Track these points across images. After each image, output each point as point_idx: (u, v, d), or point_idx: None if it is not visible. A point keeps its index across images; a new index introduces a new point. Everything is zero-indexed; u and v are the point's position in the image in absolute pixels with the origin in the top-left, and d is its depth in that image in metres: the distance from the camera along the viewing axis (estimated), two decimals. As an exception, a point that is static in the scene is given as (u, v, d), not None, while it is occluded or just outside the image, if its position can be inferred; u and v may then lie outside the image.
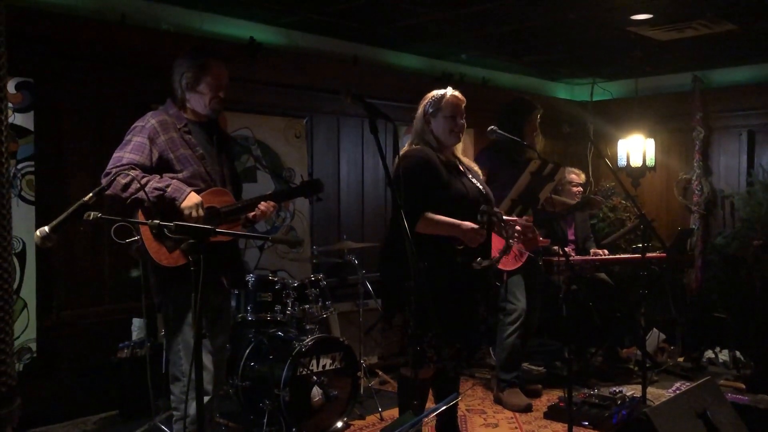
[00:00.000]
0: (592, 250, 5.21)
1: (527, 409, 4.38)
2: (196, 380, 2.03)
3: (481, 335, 3.16)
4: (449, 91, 3.20)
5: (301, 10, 4.72)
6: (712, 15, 4.80)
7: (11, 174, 1.79)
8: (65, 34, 4.09)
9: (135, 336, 4.31)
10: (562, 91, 7.44)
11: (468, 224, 2.99)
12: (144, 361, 4.16)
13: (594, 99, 7.28)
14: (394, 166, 3.13)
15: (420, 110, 3.18)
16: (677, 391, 3.49)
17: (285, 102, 5.17)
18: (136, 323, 4.34)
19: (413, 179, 2.94)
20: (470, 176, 3.20)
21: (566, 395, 3.22)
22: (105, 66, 4.27)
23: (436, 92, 3.20)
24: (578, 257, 5.08)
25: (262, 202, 2.91)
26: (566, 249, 4.97)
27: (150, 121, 2.88)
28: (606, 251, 5.19)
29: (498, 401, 4.53)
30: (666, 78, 6.82)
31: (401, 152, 3.13)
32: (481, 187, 3.17)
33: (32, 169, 3.97)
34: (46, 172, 4.02)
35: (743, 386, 3.99)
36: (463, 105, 3.19)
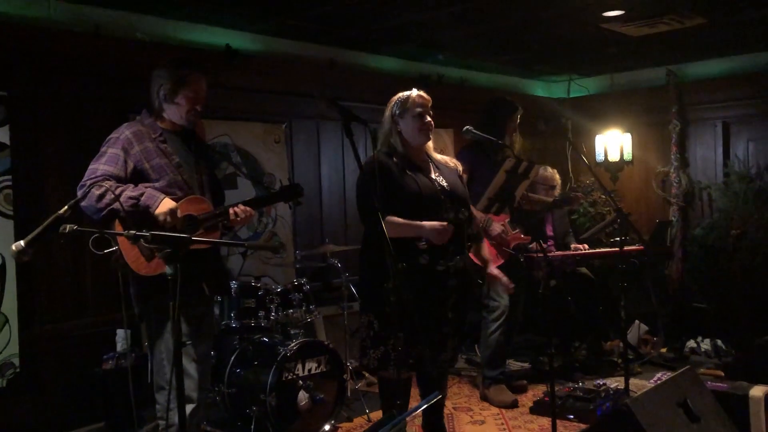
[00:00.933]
0: (572, 245, 5.26)
1: (513, 405, 4.42)
2: (177, 388, 2.04)
3: (447, 336, 3.18)
4: (415, 91, 3.23)
5: (276, 16, 4.74)
6: (682, 9, 4.86)
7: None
8: (39, 46, 4.08)
9: (119, 347, 4.30)
10: (539, 88, 7.51)
11: (431, 223, 3.01)
12: (128, 372, 4.17)
13: (571, 95, 7.35)
14: None
15: (387, 113, 3.22)
16: (658, 382, 3.53)
17: (263, 108, 5.18)
18: (121, 334, 4.32)
19: (366, 187, 3.04)
20: (436, 174, 3.22)
21: (550, 390, 3.25)
22: (80, 77, 4.25)
23: (402, 94, 3.24)
24: (558, 252, 5.12)
25: (237, 207, 2.92)
26: (546, 245, 5.02)
27: (124, 132, 2.88)
28: (586, 246, 5.24)
29: (484, 398, 4.57)
30: (641, 73, 6.90)
31: None
32: (445, 184, 3.19)
33: (9, 183, 3.95)
34: (23, 185, 4.00)
35: (722, 374, 4.06)
36: (429, 104, 3.22)
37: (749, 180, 6.07)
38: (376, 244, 2.96)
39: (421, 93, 3.23)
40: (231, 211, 2.88)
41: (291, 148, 5.35)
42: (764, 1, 4.70)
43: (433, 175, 3.18)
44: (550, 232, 5.42)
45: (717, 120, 6.53)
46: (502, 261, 4.35)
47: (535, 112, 6.70)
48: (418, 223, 3.00)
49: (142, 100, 3.11)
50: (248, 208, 2.94)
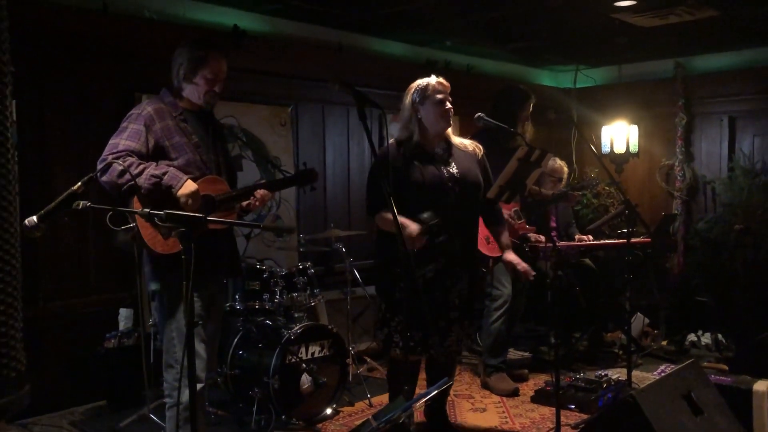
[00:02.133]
0: (576, 236, 5.25)
1: (514, 393, 4.43)
2: (189, 368, 2.03)
3: (453, 322, 3.20)
4: (434, 78, 3.23)
5: (285, -3, 4.70)
6: (694, 1, 4.83)
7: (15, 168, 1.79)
8: (46, 23, 4.04)
9: (122, 326, 4.30)
10: (546, 77, 7.47)
11: (411, 228, 3.00)
12: (131, 350, 4.18)
13: (578, 86, 7.31)
14: None
15: (407, 100, 3.20)
16: (662, 374, 3.54)
17: (270, 90, 5.15)
18: (123, 313, 4.33)
19: (372, 178, 3.17)
20: (450, 162, 3.21)
21: (553, 379, 3.25)
22: (87, 55, 4.22)
23: (421, 81, 3.23)
24: (564, 243, 5.12)
25: (258, 191, 2.92)
26: (540, 237, 5.01)
27: (146, 108, 2.87)
28: (590, 237, 5.24)
29: (485, 386, 4.58)
30: (649, 64, 6.86)
31: None
32: (456, 171, 3.19)
33: (15, 159, 3.91)
34: (28, 162, 3.98)
35: (726, 368, 4.07)
36: (449, 90, 3.23)
37: (754, 175, 6.06)
38: (383, 232, 3.02)
39: (441, 80, 3.23)
40: (257, 194, 2.89)
41: (296, 131, 5.33)
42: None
43: (444, 164, 3.18)
44: (553, 223, 5.41)
45: (723, 114, 6.51)
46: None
47: (541, 101, 6.68)
48: (404, 224, 2.99)
49: (149, 78, 3.10)
50: (267, 192, 2.95)
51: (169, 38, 4.10)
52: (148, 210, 2.05)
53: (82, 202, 2.05)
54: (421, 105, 3.17)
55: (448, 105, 3.19)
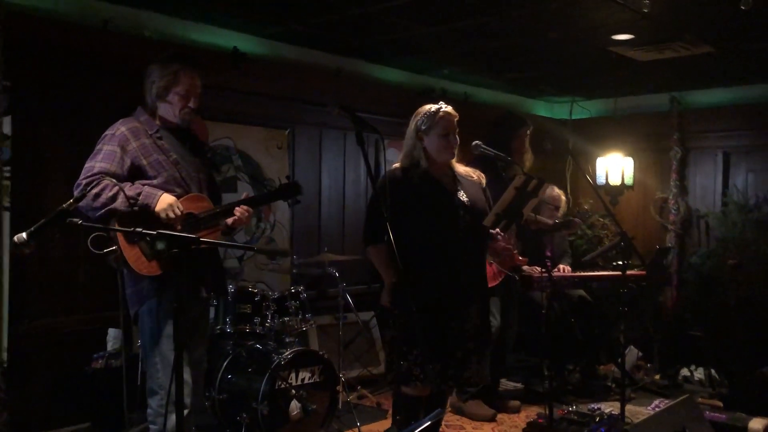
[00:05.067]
0: (560, 266, 5.20)
1: (492, 418, 4.40)
2: (176, 394, 1.98)
3: (470, 352, 3.13)
4: (442, 107, 3.17)
5: (285, 22, 4.71)
6: (691, 37, 4.88)
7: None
8: (46, 38, 4.03)
9: (110, 346, 4.23)
10: (542, 108, 7.51)
11: (388, 285, 3.08)
12: (118, 372, 4.10)
13: (573, 117, 7.35)
14: None
15: (412, 126, 3.15)
16: (656, 409, 3.51)
17: (267, 112, 5.15)
18: (112, 333, 4.26)
19: (372, 207, 3.08)
20: (458, 190, 3.18)
21: (546, 412, 3.21)
22: (86, 72, 4.21)
23: (428, 108, 3.16)
24: (559, 273, 5.09)
25: (238, 207, 2.88)
26: (534, 268, 4.98)
27: (120, 128, 2.84)
28: (569, 268, 5.20)
29: (459, 411, 4.54)
30: (645, 98, 6.91)
31: None
32: (466, 199, 3.16)
33: (8, 174, 3.88)
34: (23, 178, 3.94)
35: (720, 404, 4.03)
36: (456, 120, 3.19)
37: (748, 210, 6.07)
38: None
39: (448, 109, 3.18)
40: (236, 210, 2.84)
41: (293, 154, 5.32)
42: (771, 34, 4.72)
43: (454, 191, 3.16)
44: (548, 252, 5.38)
45: (718, 149, 6.55)
46: (499, 281, 4.31)
47: (537, 131, 6.70)
48: (386, 278, 3.10)
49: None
50: (248, 208, 2.90)
51: (167, 59, 4.09)
52: (140, 229, 2.02)
53: (76, 220, 2.02)
54: (425, 134, 3.13)
55: (453, 138, 3.15)
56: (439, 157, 3.18)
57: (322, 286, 5.22)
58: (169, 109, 2.89)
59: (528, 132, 4.44)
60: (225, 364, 3.92)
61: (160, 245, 1.84)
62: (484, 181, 3.34)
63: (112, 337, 4.27)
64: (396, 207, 2.90)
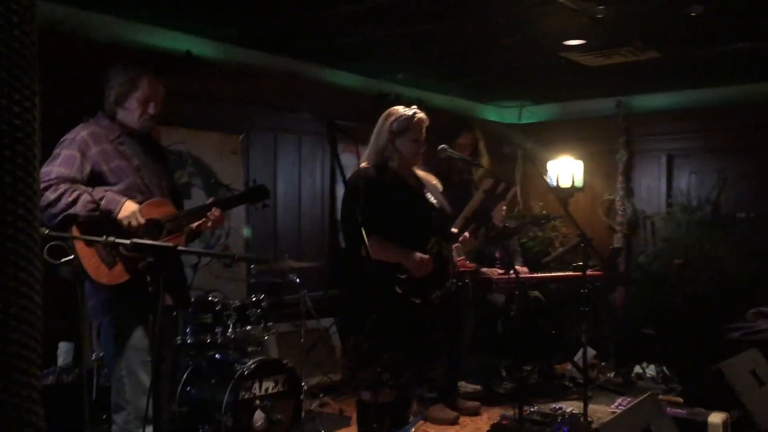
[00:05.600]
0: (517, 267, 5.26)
1: (455, 421, 4.43)
2: (153, 408, 1.90)
3: (438, 354, 3.13)
4: (417, 113, 3.18)
5: (239, 24, 4.64)
6: (640, 43, 5.01)
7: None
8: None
9: (61, 361, 4.05)
10: (491, 113, 7.60)
11: (417, 255, 2.99)
12: (71, 388, 3.94)
13: (522, 121, 7.46)
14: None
15: (384, 126, 3.14)
16: (620, 408, 3.57)
17: (221, 117, 5.05)
18: (63, 347, 4.08)
19: (356, 201, 2.90)
20: (426, 191, 3.20)
21: (515, 412, 3.23)
22: (32, 75, 4.03)
23: (404, 111, 3.17)
24: (524, 275, 5.13)
25: (212, 211, 2.80)
26: (491, 270, 5.02)
27: (80, 133, 2.74)
28: (526, 269, 5.26)
29: (421, 416, 4.54)
30: (592, 102, 7.07)
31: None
32: (435, 201, 3.18)
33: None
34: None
35: (680, 400, 4.14)
36: (426, 125, 3.22)
37: (691, 211, 6.28)
38: (361, 262, 2.92)
39: (423, 116, 3.19)
40: (209, 214, 2.77)
41: (248, 159, 5.23)
42: (717, 40, 4.89)
43: (422, 193, 3.15)
44: (497, 254, 5.43)
45: (662, 152, 6.75)
46: (474, 266, 4.34)
47: (492, 136, 6.78)
48: (407, 251, 2.97)
49: (98, 102, 2.99)
50: (218, 210, 2.83)
51: (125, 64, 3.96)
52: (113, 238, 1.93)
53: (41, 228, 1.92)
54: (398, 136, 3.13)
55: (422, 144, 3.18)
56: (410, 160, 3.19)
57: (279, 293, 5.14)
58: (128, 115, 2.81)
59: (470, 137, 4.46)
60: (185, 375, 3.81)
61: (129, 251, 1.77)
62: (440, 186, 3.37)
63: (63, 350, 4.09)
64: (372, 206, 2.86)
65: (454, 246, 4.31)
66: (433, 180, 3.31)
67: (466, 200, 4.44)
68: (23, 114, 0.85)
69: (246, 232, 5.02)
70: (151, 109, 2.82)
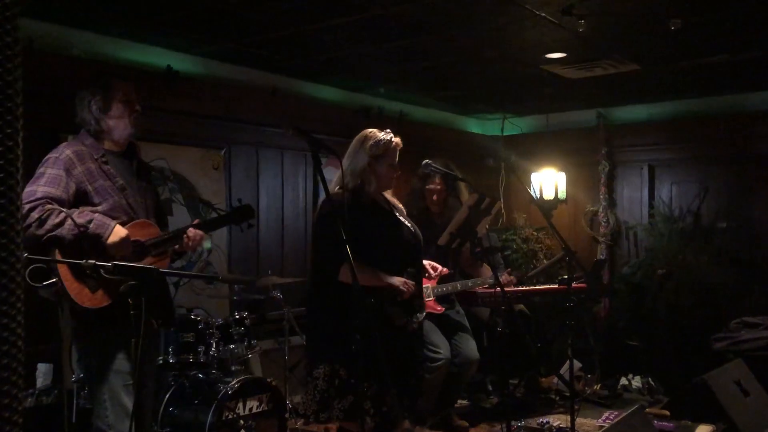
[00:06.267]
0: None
1: None
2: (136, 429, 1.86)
3: (421, 380, 3.08)
4: (393, 138, 3.14)
5: (219, 40, 4.61)
6: (620, 55, 5.05)
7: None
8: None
9: (40, 383, 3.97)
10: (473, 125, 7.62)
11: (397, 279, 2.95)
12: (50, 410, 3.85)
13: (505, 133, 7.48)
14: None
15: (363, 148, 3.07)
16: (607, 421, 3.56)
17: (202, 132, 5.00)
18: (42, 368, 4.00)
19: (332, 226, 2.69)
20: (397, 214, 3.17)
21: (503, 429, 3.20)
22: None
23: (381, 135, 3.12)
24: (510, 289, 5.11)
25: (189, 230, 2.76)
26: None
27: (65, 151, 2.69)
28: (514, 279, 5.24)
29: None
30: (573, 114, 7.11)
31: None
32: (409, 225, 3.15)
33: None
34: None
35: (668, 413, 4.14)
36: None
37: (673, 221, 6.32)
38: (337, 288, 2.86)
39: (398, 140, 3.15)
40: (189, 233, 2.72)
41: (229, 174, 5.18)
42: (696, 52, 4.93)
43: (399, 217, 3.12)
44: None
45: (643, 163, 6.79)
46: (442, 309, 4.29)
47: (473, 148, 6.80)
48: (386, 277, 2.95)
49: (76, 119, 2.96)
50: (199, 232, 2.79)
51: (92, 78, 3.92)
52: (93, 261, 1.89)
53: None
54: (375, 160, 3.07)
55: (396, 169, 3.16)
56: (385, 184, 3.17)
57: (262, 310, 5.08)
58: (118, 122, 2.77)
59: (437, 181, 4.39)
60: (167, 396, 3.74)
61: (111, 275, 1.72)
62: (405, 211, 3.35)
63: (42, 372, 4.01)
64: (350, 229, 2.80)
65: (426, 284, 4.25)
66: (399, 204, 3.28)
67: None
68: (6, 139, 0.86)
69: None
70: (137, 106, 2.82)
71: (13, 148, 0.87)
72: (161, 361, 3.75)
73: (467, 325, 4.51)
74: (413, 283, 2.96)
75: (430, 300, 4.30)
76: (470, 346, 4.47)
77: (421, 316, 3.01)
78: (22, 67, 0.90)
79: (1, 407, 0.80)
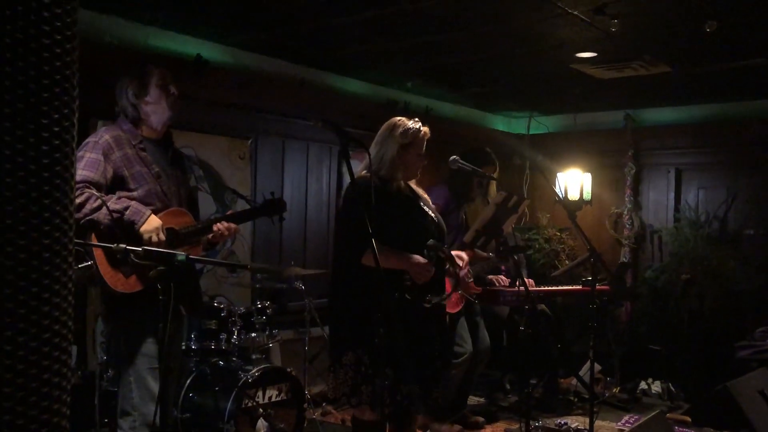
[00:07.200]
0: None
1: None
2: (161, 416, 1.88)
3: (438, 372, 3.07)
4: (422, 127, 3.12)
5: (249, 30, 4.62)
6: (651, 57, 4.99)
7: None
8: None
9: (64, 364, 4.03)
10: (499, 123, 7.58)
11: (417, 258, 2.92)
12: (75, 391, 3.90)
13: (531, 132, 7.43)
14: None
15: (393, 136, 3.05)
16: (627, 425, 3.53)
17: (230, 122, 5.03)
18: (66, 350, 4.06)
19: (357, 211, 2.74)
20: (423, 204, 3.16)
21: (522, 427, 3.18)
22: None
23: (410, 124, 3.10)
24: (532, 288, 5.09)
25: (223, 223, 2.79)
26: (498, 278, 4.98)
27: (104, 136, 2.73)
28: (532, 281, 5.23)
29: (424, 429, 4.51)
30: (600, 115, 7.04)
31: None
32: (433, 215, 3.14)
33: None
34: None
35: (689, 419, 4.10)
36: None
37: (699, 226, 6.24)
38: (363, 273, 2.85)
39: (427, 130, 3.14)
40: (215, 227, 2.74)
41: (255, 164, 5.21)
42: (730, 55, 4.86)
43: (423, 207, 3.11)
44: (503, 267, 5.40)
45: (670, 166, 6.72)
46: (460, 306, 4.28)
47: (499, 147, 6.75)
48: (408, 255, 2.89)
49: (108, 104, 2.99)
50: (232, 224, 2.81)
51: (128, 65, 3.96)
52: (124, 246, 1.91)
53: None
54: (404, 149, 3.06)
55: (424, 159, 3.14)
56: (411, 173, 3.16)
57: (284, 300, 5.11)
58: (155, 107, 2.81)
59: (492, 173, 4.37)
60: (188, 382, 3.78)
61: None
62: (430, 200, 3.33)
63: (67, 354, 4.07)
64: (377, 216, 2.78)
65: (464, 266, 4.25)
66: (425, 194, 3.27)
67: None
68: (63, 132, 0.88)
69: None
70: (173, 90, 2.84)
71: (69, 141, 0.90)
72: (183, 347, 3.78)
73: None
74: (430, 265, 2.92)
75: (470, 280, 4.30)
76: (486, 335, 4.50)
77: (435, 299, 2.97)
78: (78, 59, 0.92)
79: (51, 386, 0.82)
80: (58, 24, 0.87)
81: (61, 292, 0.87)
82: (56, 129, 0.88)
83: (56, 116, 0.88)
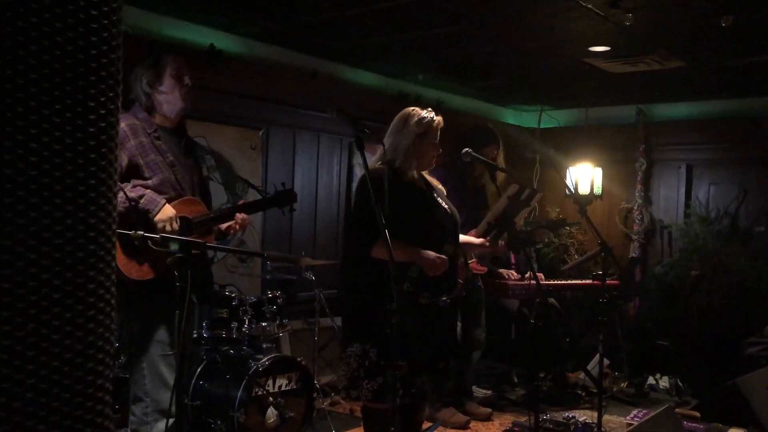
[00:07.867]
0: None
1: (465, 426, 4.43)
2: (177, 404, 1.90)
3: (450, 363, 3.07)
4: (436, 117, 3.11)
5: (262, 20, 4.63)
6: (665, 51, 4.96)
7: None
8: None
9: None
10: (510, 116, 7.56)
11: (432, 253, 2.91)
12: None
13: (542, 126, 7.42)
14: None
15: (408, 126, 3.03)
16: (635, 419, 3.54)
17: (242, 112, 5.05)
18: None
19: (369, 201, 2.66)
20: (436, 196, 3.16)
21: (530, 419, 3.20)
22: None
23: (425, 113, 3.09)
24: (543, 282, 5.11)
25: (238, 214, 2.80)
26: (509, 272, 5.00)
27: (119, 123, 2.73)
28: (542, 275, 5.24)
29: (431, 419, 4.53)
30: (611, 109, 7.02)
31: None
32: (447, 206, 3.14)
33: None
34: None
35: (698, 414, 4.10)
36: None
37: (709, 222, 6.22)
38: (371, 264, 2.85)
39: (440, 119, 3.13)
40: (237, 216, 2.76)
41: (266, 155, 5.22)
42: (746, 51, 4.83)
43: (437, 198, 3.11)
44: (512, 259, 5.41)
45: (681, 162, 6.69)
46: (485, 269, 4.32)
47: (510, 140, 6.74)
48: (418, 249, 2.88)
49: (131, 95, 3.00)
50: (244, 215, 2.83)
51: (142, 53, 3.97)
52: (142, 233, 1.93)
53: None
54: (419, 138, 3.05)
55: (438, 149, 3.13)
56: (426, 163, 3.14)
57: (294, 290, 5.13)
58: (168, 97, 2.81)
59: (496, 151, 4.42)
60: (199, 369, 3.81)
61: (173, 246, 1.76)
62: (444, 191, 3.32)
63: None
64: (390, 207, 2.78)
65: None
66: (439, 185, 3.26)
67: (478, 205, 4.41)
68: (109, 127, 0.91)
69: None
70: (187, 80, 2.83)
71: (113, 136, 0.92)
72: (195, 335, 3.81)
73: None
74: (444, 260, 2.91)
75: (472, 261, 4.32)
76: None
77: (454, 295, 2.97)
78: (122, 57, 0.94)
79: (95, 374, 0.82)
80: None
81: (106, 284, 0.88)
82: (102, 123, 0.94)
83: (102, 111, 0.94)
